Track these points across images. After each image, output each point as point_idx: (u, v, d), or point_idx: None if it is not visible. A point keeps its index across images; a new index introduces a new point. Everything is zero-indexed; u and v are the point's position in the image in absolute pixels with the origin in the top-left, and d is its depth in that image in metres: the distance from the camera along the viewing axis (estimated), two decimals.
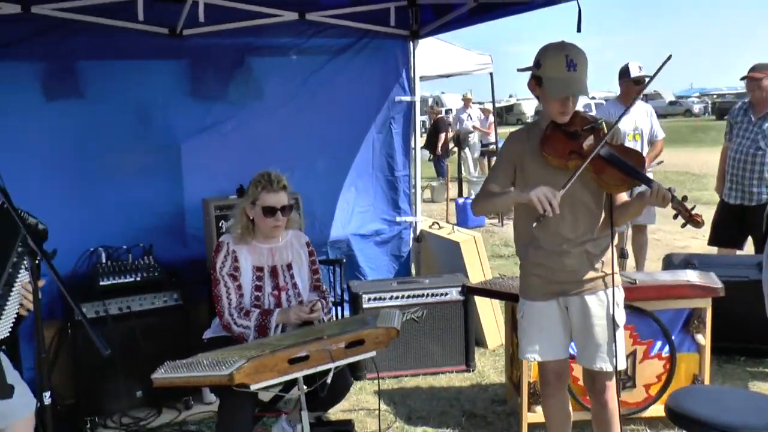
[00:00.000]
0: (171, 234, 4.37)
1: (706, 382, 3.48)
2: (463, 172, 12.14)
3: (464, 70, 9.34)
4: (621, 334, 2.73)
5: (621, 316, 2.74)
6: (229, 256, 3.17)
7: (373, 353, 2.92)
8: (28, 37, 3.91)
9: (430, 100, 27.80)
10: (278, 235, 3.26)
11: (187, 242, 4.46)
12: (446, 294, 4.34)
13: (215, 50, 4.57)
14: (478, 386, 4.19)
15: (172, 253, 4.23)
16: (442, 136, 12.91)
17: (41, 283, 2.25)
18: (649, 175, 2.80)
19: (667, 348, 3.45)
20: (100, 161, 4.19)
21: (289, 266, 3.30)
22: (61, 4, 3.88)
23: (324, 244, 5.01)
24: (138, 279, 3.87)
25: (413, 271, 5.36)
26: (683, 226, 2.42)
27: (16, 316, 2.57)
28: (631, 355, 3.42)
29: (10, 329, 2.58)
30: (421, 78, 5.53)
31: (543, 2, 3.83)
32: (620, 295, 2.76)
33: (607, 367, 2.69)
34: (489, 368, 4.44)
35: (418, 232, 5.31)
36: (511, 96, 13.52)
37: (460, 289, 4.34)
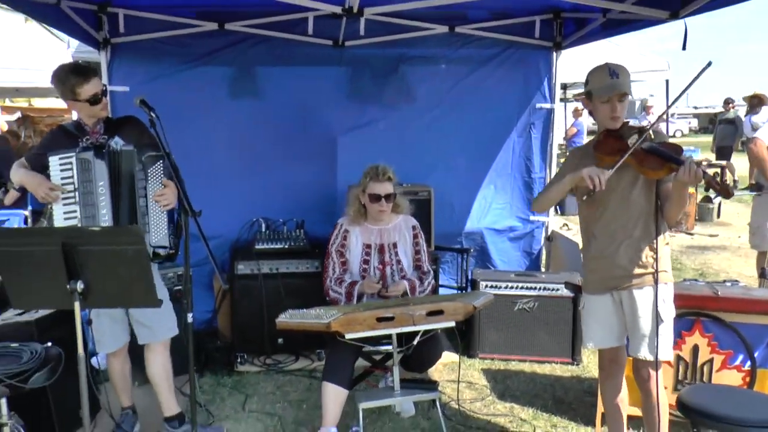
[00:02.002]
0: (321, 213, 5.13)
1: None
2: None
3: (637, 78, 9.24)
4: (666, 328, 2.95)
5: (666, 311, 2.96)
6: (340, 234, 3.85)
7: (451, 323, 3.40)
8: (221, 48, 4.96)
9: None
10: (384, 219, 3.86)
11: (334, 221, 5.20)
12: (557, 290, 4.67)
13: (372, 59, 5.28)
14: (577, 378, 4.48)
15: (320, 229, 4.97)
16: None
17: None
18: None
19: (748, 362, 3.53)
20: (269, 149, 5.13)
21: (395, 245, 3.89)
22: (248, 21, 4.83)
23: (459, 235, 5.54)
24: (287, 246, 4.71)
25: (542, 268, 5.69)
26: (715, 197, 2.68)
27: (167, 223, 3.30)
28: (708, 363, 3.57)
29: (168, 239, 3.32)
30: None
31: (665, 18, 4.00)
32: (667, 291, 2.99)
33: (649, 356, 2.95)
34: (593, 365, 4.68)
35: (549, 231, 5.64)
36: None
37: (571, 287, 4.64)
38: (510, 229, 5.65)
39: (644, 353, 2.97)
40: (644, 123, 12.81)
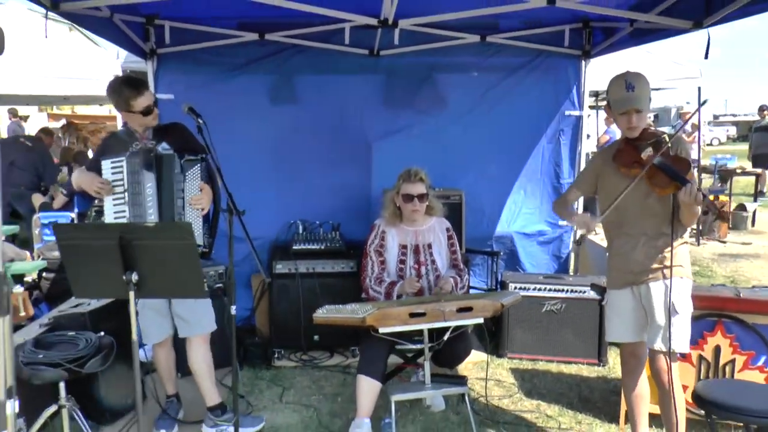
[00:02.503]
0: (356, 216, 5.32)
1: None
2: None
3: (668, 85, 9.29)
4: (680, 320, 3.08)
5: (681, 304, 3.10)
6: (378, 235, 4.04)
7: (479, 320, 3.56)
8: (261, 57, 5.20)
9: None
10: (418, 219, 4.04)
11: (369, 224, 5.39)
12: (584, 292, 4.78)
13: (406, 67, 5.46)
14: (603, 379, 4.59)
15: (355, 231, 5.16)
16: None
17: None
18: None
19: None
20: (307, 154, 5.35)
21: (430, 246, 4.07)
22: (287, 32, 5.06)
23: (489, 238, 5.69)
24: (323, 247, 4.93)
25: (571, 272, 5.80)
26: (714, 221, 2.82)
27: (202, 223, 3.55)
28: (730, 363, 3.66)
29: (203, 238, 3.56)
30: None
31: (689, 28, 4.12)
32: (682, 285, 3.13)
33: (662, 347, 3.07)
34: (619, 366, 4.74)
35: (578, 236, 5.74)
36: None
37: (598, 289, 4.76)
38: (539, 233, 5.77)
39: (659, 344, 3.10)
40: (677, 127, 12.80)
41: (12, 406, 2.00)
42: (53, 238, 7.37)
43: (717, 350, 3.68)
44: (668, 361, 3.10)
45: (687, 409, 3.25)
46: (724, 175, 11.79)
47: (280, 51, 5.24)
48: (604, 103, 3.49)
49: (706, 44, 3.83)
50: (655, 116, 27.54)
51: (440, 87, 5.58)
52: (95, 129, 15.91)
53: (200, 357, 3.76)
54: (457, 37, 5.32)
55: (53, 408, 3.46)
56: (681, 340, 3.11)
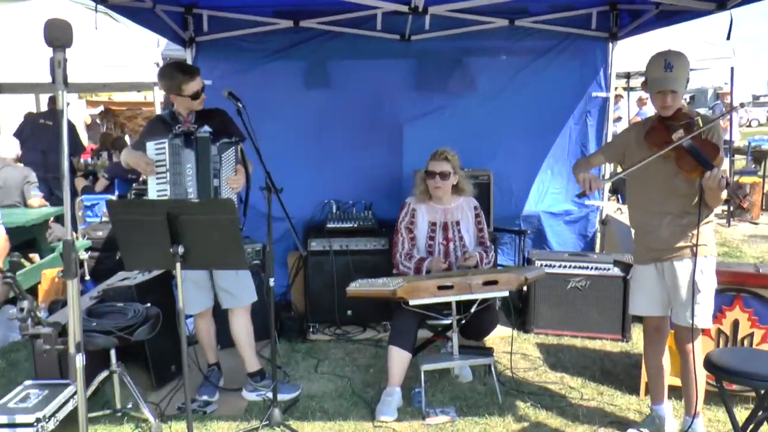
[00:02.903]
0: (388, 195, 5.51)
1: None
2: None
3: (700, 66, 9.24)
4: (704, 298, 3.19)
5: (704, 282, 3.20)
6: (408, 212, 4.22)
7: (505, 293, 3.74)
8: (297, 44, 5.41)
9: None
10: (441, 196, 4.20)
11: (400, 203, 5.56)
12: (608, 269, 4.91)
13: (437, 52, 5.61)
14: (626, 354, 4.72)
15: (387, 211, 5.34)
16: None
17: None
18: None
19: None
20: (340, 136, 5.56)
21: (458, 223, 4.24)
22: (321, 18, 5.24)
23: (516, 217, 5.83)
24: (356, 226, 5.14)
25: (597, 251, 5.92)
26: (733, 211, 2.91)
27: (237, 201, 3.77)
28: (748, 337, 3.78)
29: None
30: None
31: (713, 10, 4.19)
32: (706, 264, 3.22)
33: (686, 322, 3.20)
34: (642, 342, 4.90)
35: (603, 215, 5.86)
36: None
37: (621, 266, 4.88)
38: (566, 213, 5.90)
39: (683, 320, 3.23)
40: (716, 112, 12.72)
41: (80, 360, 2.23)
42: (96, 219, 7.74)
43: (735, 324, 3.79)
44: (692, 336, 3.23)
45: (707, 383, 3.37)
46: (758, 156, 11.68)
47: (313, 37, 5.43)
48: (638, 83, 3.58)
49: (729, 25, 3.91)
50: (691, 97, 27.10)
51: (470, 70, 5.72)
52: (131, 115, 16.28)
53: (242, 326, 4.00)
54: (486, 22, 5.44)
55: (105, 373, 3.74)
56: (704, 317, 3.23)
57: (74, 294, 2.18)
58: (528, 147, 5.82)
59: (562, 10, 5.42)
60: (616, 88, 13.71)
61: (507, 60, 5.70)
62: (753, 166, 11.28)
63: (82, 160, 11.82)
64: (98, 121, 16.63)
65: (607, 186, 5.91)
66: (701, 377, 3.26)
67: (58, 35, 2.00)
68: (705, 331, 3.75)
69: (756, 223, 9.67)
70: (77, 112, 16.11)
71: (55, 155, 8.52)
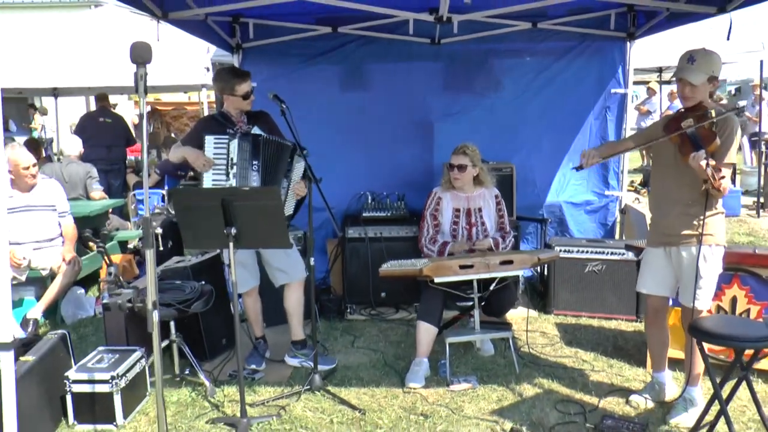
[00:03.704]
0: (420, 187, 5.88)
1: None
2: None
3: (729, 59, 9.42)
4: (706, 283, 3.49)
5: (706, 269, 3.49)
6: (434, 200, 4.67)
7: (520, 271, 4.18)
8: (334, 48, 5.92)
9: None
10: (461, 186, 4.64)
11: None
12: (623, 254, 5.26)
13: (465, 54, 6.04)
14: (639, 332, 5.06)
15: (418, 201, 5.64)
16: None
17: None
18: None
19: None
20: (375, 134, 6.05)
21: (480, 210, 4.67)
22: (357, 24, 5.71)
23: (540, 207, 6.21)
24: (390, 215, 5.62)
25: (617, 238, 6.26)
26: (712, 190, 3.23)
27: (295, 201, 4.32)
28: (745, 313, 4.11)
29: (293, 210, 4.34)
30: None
31: (714, 13, 4.53)
32: (710, 252, 3.50)
33: (689, 304, 3.52)
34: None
35: (623, 204, 6.20)
36: None
37: (635, 250, 5.22)
38: (586, 203, 6.26)
39: (687, 301, 3.56)
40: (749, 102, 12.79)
41: (157, 315, 2.73)
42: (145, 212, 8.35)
43: (734, 301, 4.14)
44: (692, 316, 3.54)
45: (713, 357, 3.70)
46: None
47: (350, 42, 5.93)
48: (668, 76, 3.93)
49: (729, 27, 4.25)
50: (737, 89, 26.75)
51: (496, 71, 6.12)
52: (177, 115, 17.02)
53: (295, 299, 4.52)
54: (510, 24, 5.80)
55: (165, 342, 4.26)
56: (704, 300, 3.53)
57: (151, 260, 2.68)
58: (550, 141, 6.19)
59: (582, 12, 5.77)
60: (648, 83, 13.96)
61: (530, 60, 6.08)
62: None
63: (131, 157, 12.58)
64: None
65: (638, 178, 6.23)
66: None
67: (141, 54, 2.51)
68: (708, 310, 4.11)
69: None
70: (127, 112, 16.93)
71: (117, 150, 9.25)
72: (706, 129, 3.39)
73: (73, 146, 7.65)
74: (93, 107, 11.45)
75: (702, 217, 3.47)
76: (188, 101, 18.16)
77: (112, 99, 13.29)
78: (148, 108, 17.65)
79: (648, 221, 3.93)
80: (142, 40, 2.54)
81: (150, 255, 2.68)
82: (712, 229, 3.53)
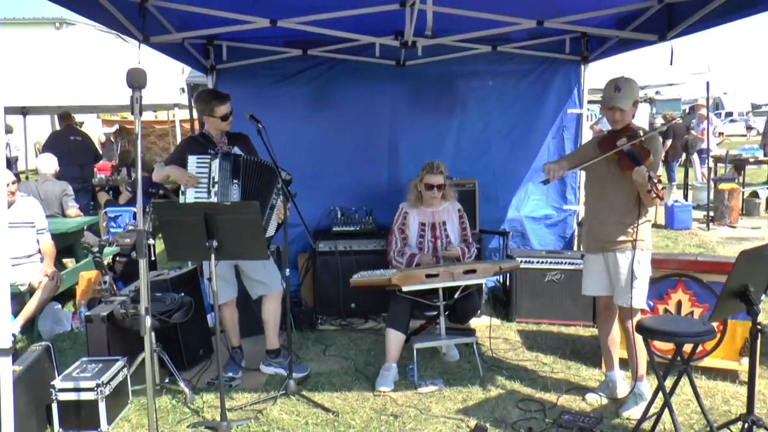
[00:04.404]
0: (387, 203, 6.10)
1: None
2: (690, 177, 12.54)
3: (678, 80, 9.98)
4: (640, 284, 3.88)
5: (640, 271, 3.87)
6: (401, 215, 4.95)
7: (482, 280, 4.47)
8: (304, 70, 6.20)
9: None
10: (436, 204, 4.92)
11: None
12: (580, 264, 5.53)
13: (429, 75, 6.36)
14: (596, 337, 5.23)
15: (386, 216, 5.89)
16: (668, 142, 12.69)
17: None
18: None
19: None
20: (343, 151, 6.31)
21: (444, 224, 4.96)
22: (326, 47, 5.99)
23: (502, 222, 6.53)
24: (359, 229, 5.89)
25: (575, 249, 6.60)
26: (653, 199, 3.60)
27: (276, 224, 4.55)
28: (690, 314, 4.45)
29: (274, 231, 4.58)
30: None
31: (656, 40, 4.93)
32: (642, 256, 3.90)
33: (626, 303, 3.90)
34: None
35: (580, 218, 6.55)
36: None
37: None
38: (546, 217, 6.60)
39: (623, 302, 3.93)
40: (693, 124, 13.40)
41: (150, 321, 2.94)
42: (119, 229, 8.47)
43: (679, 304, 4.49)
44: (631, 314, 3.91)
45: (656, 354, 4.03)
46: (738, 164, 12.39)
47: (319, 64, 6.21)
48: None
49: (670, 54, 4.66)
50: (691, 108, 27.79)
51: (459, 92, 6.45)
52: (145, 133, 17.14)
53: (273, 308, 4.74)
54: (472, 48, 6.13)
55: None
56: (639, 299, 3.91)
57: (144, 270, 2.89)
58: (511, 159, 6.52)
59: (539, 37, 6.13)
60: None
61: (492, 82, 6.42)
62: (733, 173, 11.99)
63: (101, 176, 12.66)
64: (112, 139, 17.50)
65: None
66: (641, 348, 3.92)
67: (137, 79, 2.75)
68: (654, 310, 4.45)
69: (734, 227, 10.36)
70: (94, 130, 16.95)
71: (88, 168, 9.39)
72: (639, 146, 3.80)
73: (49, 164, 7.76)
74: (57, 126, 11.52)
75: (635, 225, 3.87)
76: (155, 119, 18.30)
77: (79, 117, 13.42)
78: (116, 126, 17.75)
79: (587, 227, 4.27)
80: (137, 66, 2.77)
81: (143, 265, 2.90)
82: (643, 235, 3.93)
